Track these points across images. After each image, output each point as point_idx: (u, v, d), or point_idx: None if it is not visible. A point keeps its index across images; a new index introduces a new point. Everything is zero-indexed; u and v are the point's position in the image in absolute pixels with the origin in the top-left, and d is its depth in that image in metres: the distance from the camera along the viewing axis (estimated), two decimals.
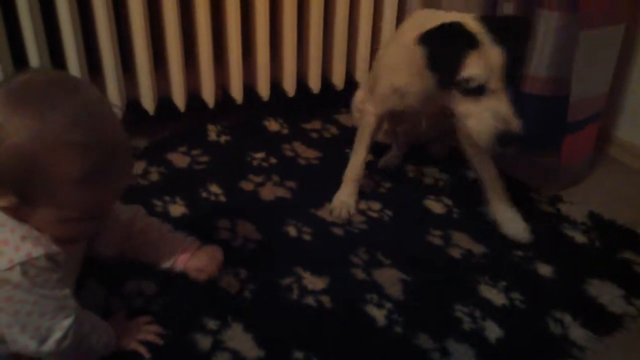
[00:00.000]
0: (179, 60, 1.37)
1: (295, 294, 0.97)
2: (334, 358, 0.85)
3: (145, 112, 1.40)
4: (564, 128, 1.27)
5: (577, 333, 0.93)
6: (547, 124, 1.30)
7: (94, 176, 0.67)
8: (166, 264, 0.96)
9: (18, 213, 0.68)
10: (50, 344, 0.70)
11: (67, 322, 0.71)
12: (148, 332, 0.85)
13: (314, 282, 1.00)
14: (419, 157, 1.45)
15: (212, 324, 0.89)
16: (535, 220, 1.21)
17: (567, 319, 0.96)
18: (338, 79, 1.60)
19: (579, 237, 1.17)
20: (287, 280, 1.00)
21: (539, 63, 1.27)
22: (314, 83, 1.56)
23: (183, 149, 1.39)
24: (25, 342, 0.70)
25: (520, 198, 1.29)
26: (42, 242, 0.68)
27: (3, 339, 0.71)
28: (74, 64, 1.25)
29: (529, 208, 1.26)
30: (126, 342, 0.83)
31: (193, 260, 0.97)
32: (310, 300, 0.96)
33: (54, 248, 0.69)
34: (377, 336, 0.90)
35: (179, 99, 1.42)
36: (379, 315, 0.94)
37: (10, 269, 0.65)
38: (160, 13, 1.32)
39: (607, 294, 1.02)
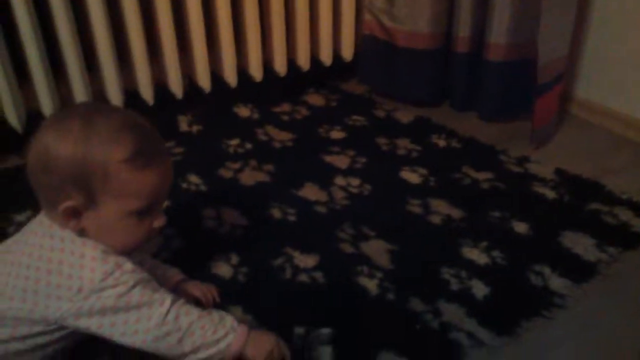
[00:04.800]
0: (144, 53, 1.35)
1: (288, 273, 1.00)
2: (335, 330, 0.88)
3: None
4: (534, 91, 1.33)
5: (557, 283, 0.99)
6: (514, 88, 1.36)
7: (140, 157, 0.72)
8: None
9: (84, 228, 0.74)
10: (152, 332, 0.73)
11: (163, 309, 0.73)
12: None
13: (305, 260, 1.03)
14: (389, 129, 1.49)
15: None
16: (506, 180, 1.27)
17: (546, 270, 1.01)
18: (303, 61, 1.61)
19: (549, 193, 1.23)
20: (278, 261, 1.02)
21: (500, 31, 1.33)
22: (280, 66, 1.57)
23: None
24: (133, 340, 0.73)
25: (490, 160, 1.35)
26: (120, 254, 0.75)
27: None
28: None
29: (499, 169, 1.31)
30: (253, 353, 0.78)
31: (188, 284, 0.94)
32: (303, 277, 0.99)
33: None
34: (372, 304, 0.94)
35: (146, 92, 1.41)
36: (371, 285, 0.98)
37: (104, 279, 0.71)
38: (121, 7, 1.30)
39: (580, 244, 1.08)
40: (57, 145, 0.71)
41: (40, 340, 0.74)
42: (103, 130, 0.72)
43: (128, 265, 0.74)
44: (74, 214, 0.73)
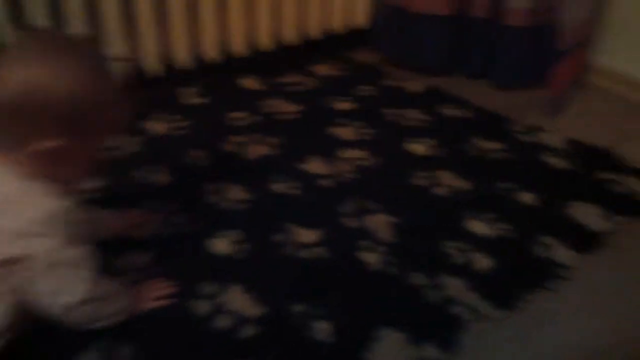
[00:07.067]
0: (151, 23, 1.34)
1: (289, 249, 0.99)
2: (334, 307, 0.88)
3: None
4: (554, 57, 1.29)
5: (562, 254, 0.97)
6: (532, 55, 1.32)
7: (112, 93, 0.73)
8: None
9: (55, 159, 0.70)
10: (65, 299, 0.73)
11: (82, 287, 0.74)
12: (161, 289, 0.89)
13: (307, 235, 1.02)
14: (399, 99, 1.46)
15: (210, 289, 0.90)
16: (516, 151, 1.24)
17: (551, 242, 0.99)
18: (315, 29, 1.58)
19: (559, 163, 1.20)
20: (279, 237, 1.02)
21: None
22: (291, 36, 1.55)
23: (161, 115, 1.38)
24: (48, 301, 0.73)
25: (500, 130, 1.32)
26: (63, 195, 0.72)
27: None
28: None
29: (509, 139, 1.28)
30: (142, 305, 0.86)
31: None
32: (305, 253, 0.98)
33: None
34: (373, 279, 0.93)
35: (153, 63, 1.40)
36: (373, 259, 0.97)
37: (42, 221, 0.69)
38: None
39: (588, 214, 1.05)
40: (54, 82, 0.67)
41: None
42: (88, 63, 0.70)
43: (70, 212, 0.72)
44: (51, 155, 0.69)
